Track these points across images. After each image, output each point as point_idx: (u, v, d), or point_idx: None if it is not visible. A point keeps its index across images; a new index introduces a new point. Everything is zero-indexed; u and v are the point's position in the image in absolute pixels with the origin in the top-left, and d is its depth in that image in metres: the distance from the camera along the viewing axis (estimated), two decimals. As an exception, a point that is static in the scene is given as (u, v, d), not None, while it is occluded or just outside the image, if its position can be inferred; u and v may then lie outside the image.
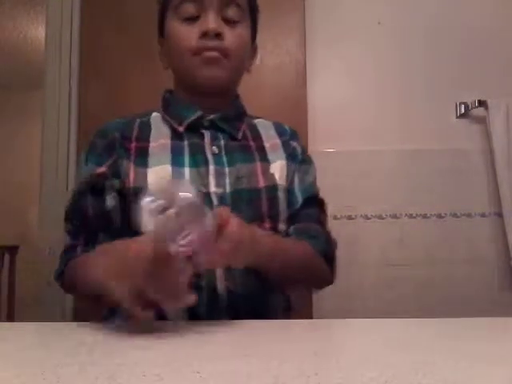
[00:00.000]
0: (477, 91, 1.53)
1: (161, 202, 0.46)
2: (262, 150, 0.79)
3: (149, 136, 0.77)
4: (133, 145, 0.76)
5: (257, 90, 1.40)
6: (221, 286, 0.67)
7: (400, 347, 0.42)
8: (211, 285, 0.67)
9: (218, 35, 0.71)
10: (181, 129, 0.76)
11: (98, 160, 0.76)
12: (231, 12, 0.73)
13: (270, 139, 0.81)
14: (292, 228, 0.77)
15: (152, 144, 0.75)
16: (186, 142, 0.75)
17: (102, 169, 0.75)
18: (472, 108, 1.54)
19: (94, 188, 0.75)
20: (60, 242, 0.78)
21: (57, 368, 0.34)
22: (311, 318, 1.34)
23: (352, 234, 1.49)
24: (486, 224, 1.51)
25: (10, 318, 2.38)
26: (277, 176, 0.76)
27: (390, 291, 1.46)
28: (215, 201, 0.71)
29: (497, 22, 1.59)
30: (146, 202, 0.47)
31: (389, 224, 1.51)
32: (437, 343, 0.44)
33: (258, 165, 0.76)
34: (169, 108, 0.80)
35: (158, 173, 0.72)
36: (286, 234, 0.77)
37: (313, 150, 1.44)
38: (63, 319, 1.38)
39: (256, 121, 0.85)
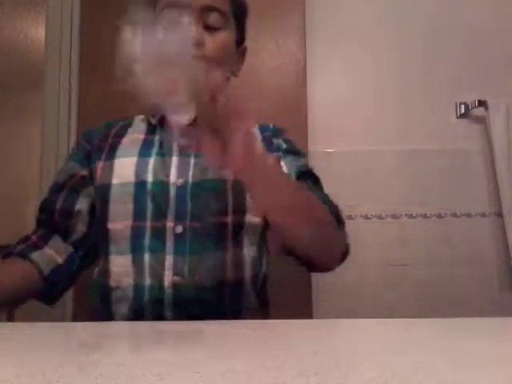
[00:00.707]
0: (477, 91, 1.53)
1: None
2: None
3: (125, 133, 0.80)
4: (108, 143, 0.79)
5: (257, 90, 1.40)
6: (168, 281, 0.67)
7: (400, 347, 0.42)
8: (157, 280, 0.68)
9: (198, 44, 0.71)
10: (153, 121, 0.79)
11: (82, 162, 0.79)
12: (212, 19, 0.73)
13: None
14: None
15: (125, 139, 0.78)
16: (157, 137, 0.78)
17: (84, 172, 0.78)
18: (472, 108, 1.53)
19: (71, 187, 0.78)
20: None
21: (57, 368, 0.34)
22: (311, 317, 1.34)
23: (352, 233, 1.48)
24: (486, 224, 1.51)
25: (10, 317, 2.37)
26: None
27: (390, 291, 1.46)
28: (172, 191, 0.71)
29: (497, 21, 1.59)
30: None
31: (389, 224, 1.51)
32: (437, 343, 0.44)
33: None
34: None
35: (124, 163, 0.74)
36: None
37: (313, 150, 1.45)
38: (63, 319, 1.38)
39: None
